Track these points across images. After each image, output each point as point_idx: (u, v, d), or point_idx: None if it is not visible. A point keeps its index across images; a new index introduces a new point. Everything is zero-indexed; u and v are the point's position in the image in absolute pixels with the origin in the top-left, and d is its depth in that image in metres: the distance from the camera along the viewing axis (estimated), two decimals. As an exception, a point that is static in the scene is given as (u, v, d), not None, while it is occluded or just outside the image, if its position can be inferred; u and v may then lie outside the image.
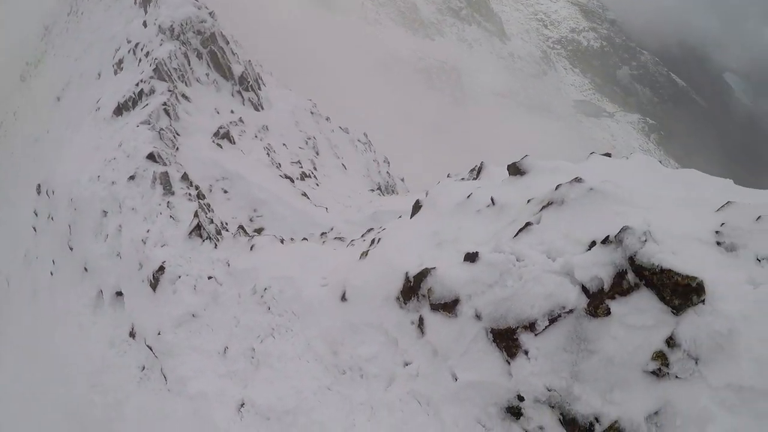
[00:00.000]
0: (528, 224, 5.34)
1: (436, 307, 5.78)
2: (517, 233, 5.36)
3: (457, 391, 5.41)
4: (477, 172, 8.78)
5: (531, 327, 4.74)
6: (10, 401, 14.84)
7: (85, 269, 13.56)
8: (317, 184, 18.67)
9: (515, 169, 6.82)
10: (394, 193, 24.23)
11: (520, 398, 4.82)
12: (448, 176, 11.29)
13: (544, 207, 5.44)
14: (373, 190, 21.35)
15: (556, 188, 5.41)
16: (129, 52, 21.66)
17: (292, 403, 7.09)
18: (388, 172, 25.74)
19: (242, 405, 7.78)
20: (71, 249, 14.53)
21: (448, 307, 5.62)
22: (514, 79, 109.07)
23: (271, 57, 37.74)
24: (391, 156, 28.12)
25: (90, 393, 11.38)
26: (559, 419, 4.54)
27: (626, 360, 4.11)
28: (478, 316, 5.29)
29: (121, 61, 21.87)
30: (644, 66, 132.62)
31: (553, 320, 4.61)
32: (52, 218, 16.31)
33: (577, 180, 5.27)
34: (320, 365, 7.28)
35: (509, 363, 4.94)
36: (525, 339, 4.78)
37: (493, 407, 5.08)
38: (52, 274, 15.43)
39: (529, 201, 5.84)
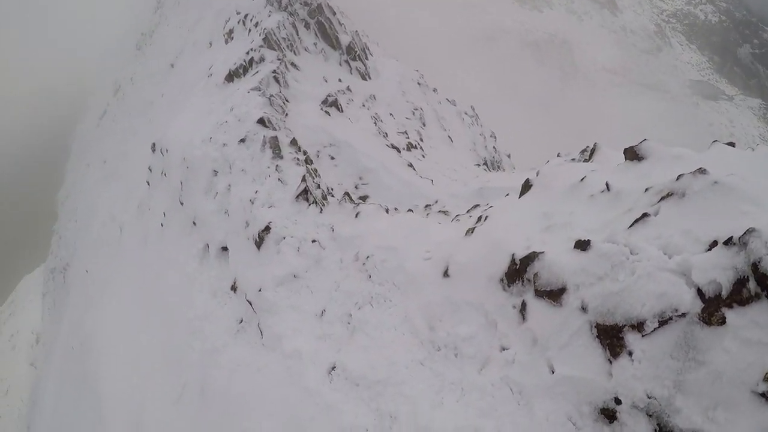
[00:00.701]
0: (645, 215, 5.03)
1: (540, 294, 5.58)
2: (633, 224, 5.07)
3: (552, 384, 5.21)
4: (590, 153, 8.46)
5: (639, 327, 4.48)
6: (116, 338, 16.20)
7: (194, 223, 14.41)
8: (423, 156, 18.68)
9: (633, 154, 6.37)
10: (500, 169, 23.86)
11: (617, 401, 4.60)
12: (558, 155, 10.94)
13: (663, 198, 5.12)
14: (479, 165, 21.08)
15: (678, 178, 5.05)
16: (239, 22, 22.66)
17: (383, 374, 7.18)
18: (494, 147, 25.32)
19: (333, 368, 7.96)
20: (182, 204, 15.47)
21: (554, 295, 5.40)
22: (627, 55, 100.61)
23: (375, 27, 37.94)
24: (496, 130, 27.58)
25: (189, 338, 12.09)
26: (655, 430, 4.30)
27: (735, 377, 3.79)
28: (583, 309, 5.03)
29: (231, 31, 22.89)
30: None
31: (663, 322, 4.32)
32: (165, 174, 17.38)
33: (701, 171, 4.89)
34: (416, 339, 7.32)
35: (611, 362, 4.72)
36: (631, 339, 4.54)
37: (587, 406, 4.88)
38: (162, 225, 16.53)
39: (647, 190, 5.50)
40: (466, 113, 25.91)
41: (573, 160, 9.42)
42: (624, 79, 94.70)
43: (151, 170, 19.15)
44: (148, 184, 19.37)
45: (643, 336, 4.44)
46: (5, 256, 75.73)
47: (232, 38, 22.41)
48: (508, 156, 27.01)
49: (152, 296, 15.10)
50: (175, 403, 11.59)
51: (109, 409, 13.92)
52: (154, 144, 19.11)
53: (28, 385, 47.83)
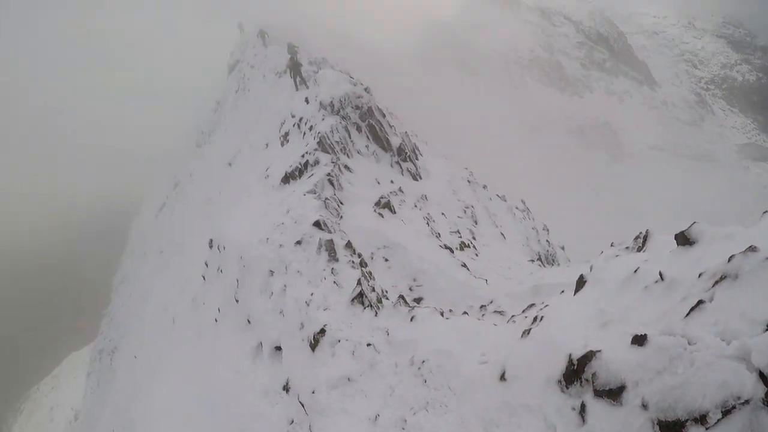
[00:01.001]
0: (700, 302, 5.02)
1: (599, 394, 5.48)
2: (689, 312, 5.06)
3: (616, 489, 5.00)
4: (642, 241, 8.48)
5: (702, 419, 4.35)
6: (161, 428, 16.25)
7: (248, 321, 14.80)
8: (476, 254, 18.88)
9: (684, 239, 6.42)
10: (554, 263, 23.82)
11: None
12: (611, 245, 11.01)
13: (716, 282, 5.10)
14: (533, 261, 21.04)
15: (729, 260, 5.05)
16: (294, 125, 24.15)
17: None
18: (547, 240, 25.42)
19: (388, 475, 7.74)
20: (237, 301, 15.97)
21: (613, 394, 5.31)
22: (670, 129, 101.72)
23: (423, 125, 39.62)
24: (548, 222, 27.76)
25: (238, 436, 12.00)
26: None
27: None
28: (644, 406, 4.93)
29: (287, 134, 24.39)
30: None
31: (726, 412, 4.19)
32: (221, 271, 18.08)
33: (752, 249, 4.89)
34: None
35: None
36: None
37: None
38: (216, 320, 16.97)
39: (700, 275, 5.48)
40: (516, 208, 26.30)
41: (627, 248, 9.41)
42: (670, 154, 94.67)
43: (207, 265, 19.86)
44: (204, 278, 20.01)
45: (707, 429, 4.32)
46: (56, 332, 78.03)
47: (288, 141, 23.79)
48: (562, 248, 26.92)
49: (202, 390, 15.22)
50: (221, 503, 11.50)
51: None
52: (211, 240, 19.87)
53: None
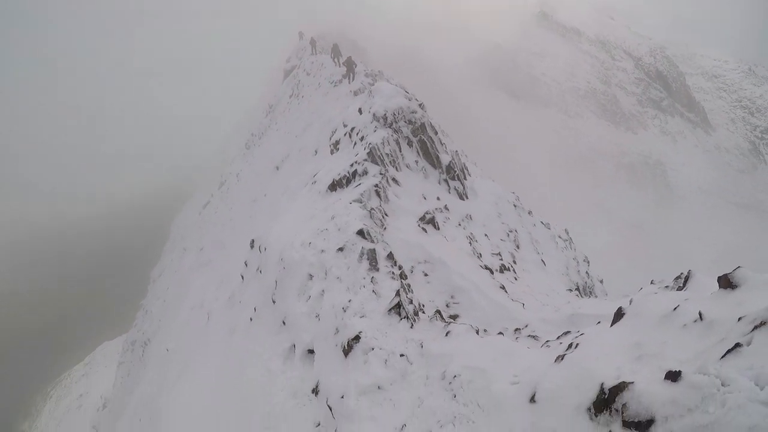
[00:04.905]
0: (737, 345, 4.97)
1: (628, 425, 5.41)
2: (725, 354, 5.02)
3: None
4: (684, 281, 8.38)
5: None
6: (187, 421, 16.37)
7: (283, 323, 14.90)
8: (515, 278, 18.66)
9: (726, 282, 6.36)
10: (592, 295, 23.44)
11: None
12: (651, 282, 10.75)
13: (756, 327, 5.06)
14: (570, 290, 20.70)
15: None
16: (345, 134, 24.37)
17: None
18: (587, 272, 25.00)
19: (409, 486, 7.72)
20: (273, 302, 16.11)
21: (642, 426, 5.23)
22: (722, 175, 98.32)
23: (471, 146, 39.70)
24: (590, 255, 27.38)
25: (263, 433, 12.05)
26: None
27: None
28: None
29: (337, 142, 24.64)
30: None
31: None
32: (260, 271, 18.30)
33: None
34: None
35: None
36: None
37: None
38: (251, 320, 17.15)
39: (740, 319, 5.47)
40: (560, 237, 25.98)
41: (667, 287, 9.30)
42: (720, 200, 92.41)
43: (246, 265, 20.15)
44: (242, 278, 20.29)
45: None
46: (90, 320, 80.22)
47: (338, 149, 24.05)
48: (601, 281, 26.43)
49: (231, 387, 15.34)
50: (240, 500, 11.51)
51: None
52: (253, 241, 20.16)
53: (86, 447, 48.47)
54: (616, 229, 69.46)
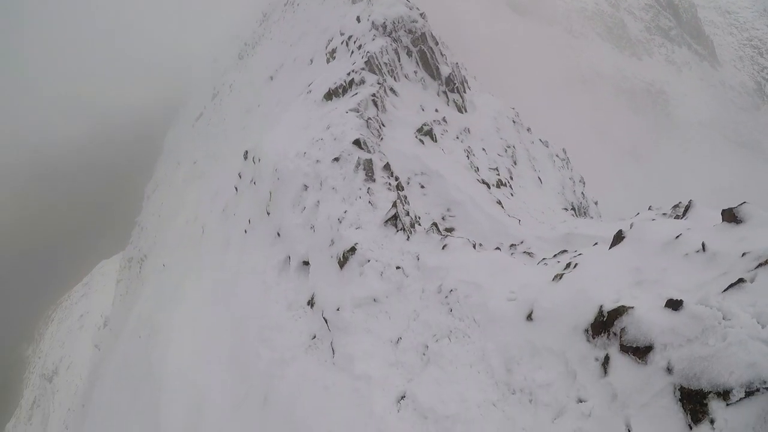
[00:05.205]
0: (741, 280, 4.83)
1: (626, 350, 5.37)
2: (727, 288, 4.88)
3: (626, 443, 4.97)
4: (684, 210, 8.12)
5: (724, 395, 4.26)
6: (185, 334, 16.51)
7: (278, 234, 14.63)
8: (512, 194, 18.44)
9: (731, 216, 6.17)
10: (586, 216, 23.36)
11: (693, 469, 4.34)
12: (649, 208, 10.44)
13: (761, 264, 4.91)
14: (566, 209, 20.59)
15: None
16: (342, 43, 23.24)
17: (454, 409, 7.01)
18: (582, 193, 24.83)
19: (402, 397, 7.81)
20: (268, 213, 15.79)
21: (640, 352, 5.19)
22: (724, 111, 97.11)
23: (472, 61, 38.31)
24: (585, 176, 27.05)
25: (258, 346, 12.07)
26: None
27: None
28: (669, 370, 4.83)
29: (334, 51, 23.52)
30: None
31: (749, 393, 4.09)
32: (254, 182, 17.86)
33: None
34: (491, 379, 7.13)
35: (691, 428, 4.49)
36: (714, 406, 4.32)
37: (662, 470, 4.60)
38: (245, 232, 16.92)
39: (744, 254, 5.31)
40: (557, 156, 25.53)
41: (664, 214, 9.04)
42: (719, 135, 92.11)
43: (240, 177, 19.72)
44: (236, 189, 19.91)
45: (727, 405, 4.25)
46: (87, 239, 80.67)
47: (335, 58, 23.01)
48: (596, 203, 26.30)
49: (227, 299, 15.33)
50: (235, 408, 11.60)
51: (168, 400, 14.06)
52: (246, 152, 19.66)
53: (89, 364, 49.70)
54: (613, 153, 69.06)
